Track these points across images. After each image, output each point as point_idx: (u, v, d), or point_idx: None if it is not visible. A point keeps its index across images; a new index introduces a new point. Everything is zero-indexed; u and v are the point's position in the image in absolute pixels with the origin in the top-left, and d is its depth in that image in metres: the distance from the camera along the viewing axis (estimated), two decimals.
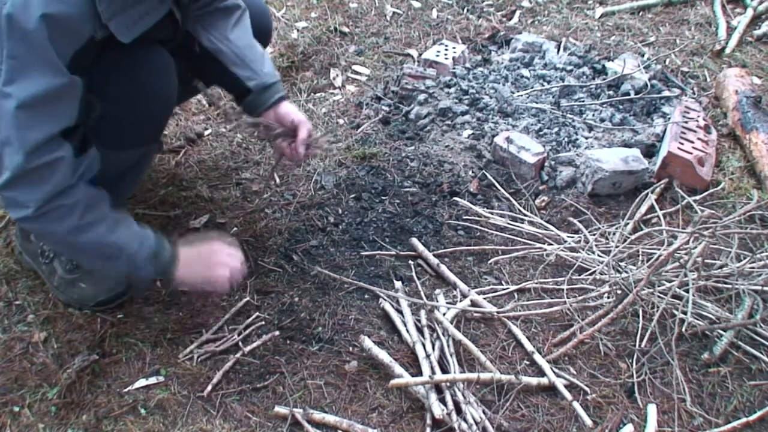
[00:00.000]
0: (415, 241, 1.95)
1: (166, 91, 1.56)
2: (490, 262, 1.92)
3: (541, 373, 1.61)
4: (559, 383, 1.58)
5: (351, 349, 1.68)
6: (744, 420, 1.53)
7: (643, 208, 2.07)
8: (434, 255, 1.90)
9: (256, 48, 1.76)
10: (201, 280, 1.57)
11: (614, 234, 1.95)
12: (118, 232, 1.46)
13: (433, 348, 1.63)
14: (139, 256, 1.48)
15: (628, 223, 2.00)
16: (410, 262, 1.91)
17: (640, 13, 3.14)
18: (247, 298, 1.78)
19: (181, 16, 1.55)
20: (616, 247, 1.86)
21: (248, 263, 1.88)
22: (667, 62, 2.77)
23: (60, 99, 1.34)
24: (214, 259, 1.58)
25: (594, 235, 1.96)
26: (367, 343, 1.64)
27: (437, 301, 1.77)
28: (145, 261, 1.49)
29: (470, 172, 2.21)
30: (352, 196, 2.12)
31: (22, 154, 1.31)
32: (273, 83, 1.75)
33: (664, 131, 2.33)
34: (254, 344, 1.66)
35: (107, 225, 1.45)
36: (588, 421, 1.51)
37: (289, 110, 1.75)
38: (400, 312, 1.74)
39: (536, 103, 2.45)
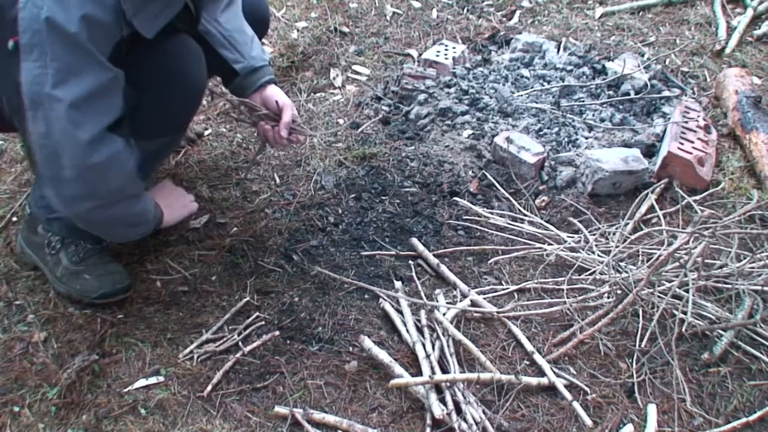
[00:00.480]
0: (415, 241, 1.95)
1: (199, 75, 1.62)
2: (490, 262, 1.92)
3: (541, 373, 1.61)
4: (559, 383, 1.58)
5: (351, 349, 1.68)
6: (744, 420, 1.53)
7: (643, 208, 2.07)
8: (434, 255, 1.90)
9: (245, 31, 1.78)
10: (181, 216, 1.82)
11: (614, 234, 1.95)
12: (147, 199, 1.65)
13: (433, 348, 1.63)
14: (154, 218, 1.67)
15: (628, 223, 2.00)
16: (410, 262, 1.91)
17: (640, 13, 3.14)
18: (247, 298, 1.78)
19: (194, 7, 1.58)
20: (616, 247, 1.86)
21: (248, 264, 1.89)
22: (667, 62, 2.77)
23: (107, 93, 1.41)
24: (179, 196, 1.84)
25: (594, 235, 1.96)
26: (367, 343, 1.64)
27: (437, 301, 1.77)
28: (154, 220, 1.68)
29: (470, 172, 2.21)
30: (352, 196, 2.12)
31: (81, 151, 1.39)
32: (260, 67, 1.78)
33: (664, 131, 2.33)
34: (254, 344, 1.66)
35: (145, 195, 1.64)
36: (588, 421, 1.51)
37: (275, 93, 1.78)
38: (400, 312, 1.74)
39: (536, 103, 2.45)
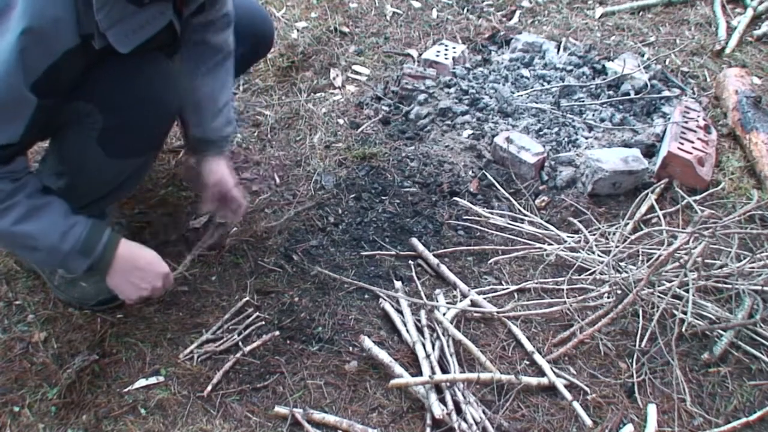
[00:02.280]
0: (415, 241, 1.95)
1: (168, 99, 1.54)
2: (490, 262, 1.92)
3: (541, 373, 1.61)
4: (559, 383, 1.58)
5: (351, 349, 1.68)
6: (744, 420, 1.53)
7: (643, 208, 2.07)
8: (434, 255, 1.90)
9: (217, 99, 1.73)
10: (121, 293, 1.56)
11: (614, 234, 1.95)
12: (30, 222, 1.39)
13: (433, 348, 1.63)
14: (62, 249, 1.43)
15: (628, 223, 2.00)
16: (410, 262, 1.91)
17: (640, 13, 3.14)
18: (247, 298, 1.78)
19: (180, 26, 1.52)
20: (616, 247, 1.86)
21: (248, 264, 1.88)
22: (667, 62, 2.77)
23: (5, 114, 1.30)
24: (142, 278, 1.54)
25: (594, 235, 1.96)
26: (367, 343, 1.64)
27: (437, 301, 1.77)
28: (73, 254, 1.44)
29: (470, 172, 2.21)
30: (352, 196, 2.12)
31: None
32: (213, 140, 1.73)
33: (664, 131, 2.33)
34: (254, 344, 1.66)
35: (16, 215, 1.38)
36: (588, 421, 1.51)
37: (209, 169, 1.73)
38: (400, 312, 1.74)
39: (536, 103, 2.45)
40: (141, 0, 1.32)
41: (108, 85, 1.42)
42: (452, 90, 2.51)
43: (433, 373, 1.55)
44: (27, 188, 1.41)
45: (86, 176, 1.47)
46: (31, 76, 1.26)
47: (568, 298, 1.76)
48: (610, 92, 2.54)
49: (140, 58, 1.42)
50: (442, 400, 1.50)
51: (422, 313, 1.71)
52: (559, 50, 2.78)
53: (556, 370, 1.62)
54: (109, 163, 1.50)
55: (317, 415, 1.50)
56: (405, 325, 1.69)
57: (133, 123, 1.47)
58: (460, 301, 1.78)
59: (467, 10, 3.10)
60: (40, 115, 1.33)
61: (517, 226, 2.01)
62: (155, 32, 1.40)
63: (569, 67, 2.63)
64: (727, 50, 2.85)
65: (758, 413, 1.54)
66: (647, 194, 2.11)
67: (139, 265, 1.54)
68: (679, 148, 2.17)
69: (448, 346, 1.64)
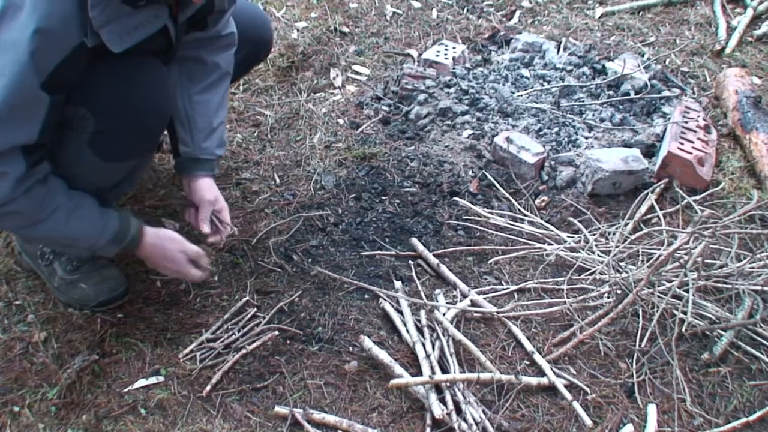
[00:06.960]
0: (415, 241, 1.95)
1: (161, 103, 1.53)
2: (490, 262, 1.92)
3: (541, 373, 1.61)
4: (559, 383, 1.58)
5: (351, 349, 1.68)
6: (744, 420, 1.53)
7: (643, 208, 2.07)
8: (434, 255, 1.90)
9: (210, 119, 1.73)
10: (166, 271, 1.68)
11: (614, 234, 1.96)
12: (71, 224, 1.46)
13: (433, 348, 1.63)
14: (99, 244, 1.53)
15: (628, 223, 2.00)
16: (410, 262, 1.91)
17: (640, 13, 3.14)
18: (247, 298, 1.78)
19: (175, 32, 1.51)
20: (616, 247, 1.86)
21: (248, 264, 1.88)
22: (667, 62, 2.77)
23: (22, 113, 1.30)
24: (175, 266, 1.65)
25: (594, 235, 1.96)
26: (367, 343, 1.64)
27: (437, 301, 1.77)
28: (108, 244, 1.54)
29: (470, 172, 2.21)
30: (352, 196, 2.12)
31: None
32: (204, 159, 1.74)
33: (664, 131, 2.33)
34: (254, 344, 1.66)
35: (61, 217, 1.45)
36: (588, 421, 1.51)
37: (203, 187, 1.74)
38: (400, 312, 1.74)
39: (536, 103, 2.45)
40: (136, 2, 1.32)
41: (100, 88, 1.41)
42: (452, 90, 2.51)
43: (433, 373, 1.55)
44: (60, 188, 1.45)
45: (80, 180, 1.47)
46: (42, 74, 1.27)
47: (568, 298, 1.76)
48: (610, 92, 2.54)
49: (133, 61, 1.42)
50: (442, 400, 1.50)
51: (422, 313, 1.71)
52: (559, 50, 2.78)
53: (556, 370, 1.62)
54: (102, 166, 1.49)
55: (317, 415, 1.50)
56: (405, 325, 1.69)
57: (125, 126, 1.45)
58: (460, 301, 1.78)
59: (467, 10, 3.10)
60: (54, 113, 1.35)
61: (517, 226, 2.01)
62: (148, 35, 1.40)
63: (569, 67, 2.64)
64: (727, 50, 2.85)
65: (758, 413, 1.54)
66: (647, 194, 2.11)
67: (166, 246, 1.65)
68: (679, 148, 2.17)
69: (448, 346, 1.64)
